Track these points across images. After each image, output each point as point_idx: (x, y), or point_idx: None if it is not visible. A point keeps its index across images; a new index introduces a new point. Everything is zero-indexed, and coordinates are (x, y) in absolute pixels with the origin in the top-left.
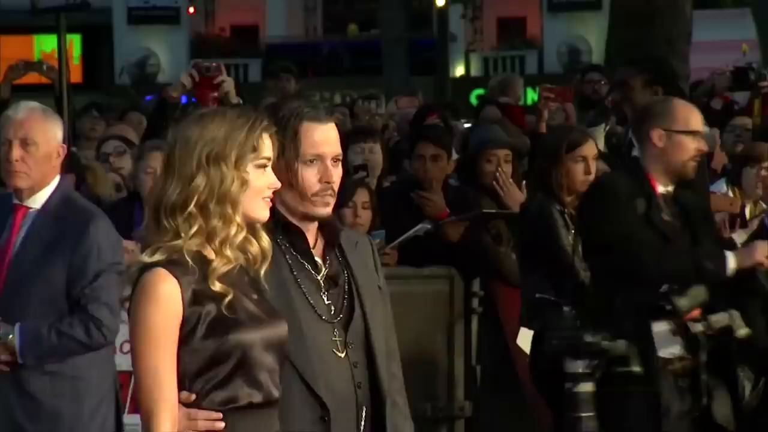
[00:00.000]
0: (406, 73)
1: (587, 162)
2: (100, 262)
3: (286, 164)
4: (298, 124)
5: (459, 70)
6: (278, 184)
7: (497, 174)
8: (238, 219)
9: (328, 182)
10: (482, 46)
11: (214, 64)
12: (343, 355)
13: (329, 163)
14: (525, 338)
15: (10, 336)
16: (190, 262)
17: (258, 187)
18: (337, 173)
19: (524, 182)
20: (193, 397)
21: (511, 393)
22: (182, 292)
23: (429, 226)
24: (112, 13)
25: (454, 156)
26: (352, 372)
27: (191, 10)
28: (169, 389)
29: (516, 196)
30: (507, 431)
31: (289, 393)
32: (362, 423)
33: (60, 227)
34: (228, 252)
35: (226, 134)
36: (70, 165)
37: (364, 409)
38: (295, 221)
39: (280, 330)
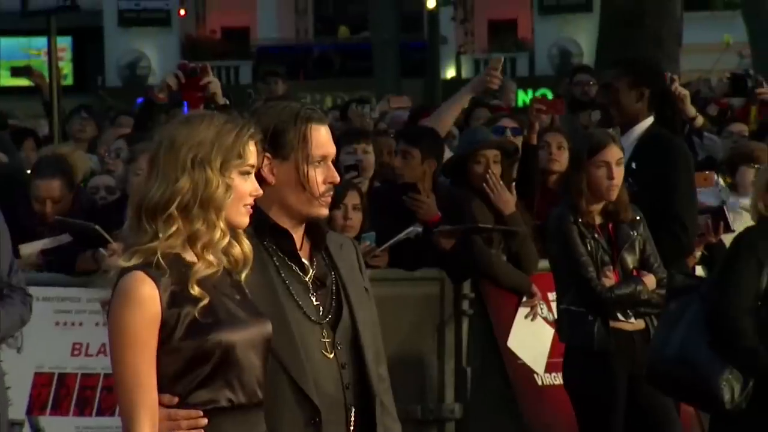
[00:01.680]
0: (396, 75)
1: (610, 167)
2: (9, 245)
3: (294, 166)
4: (306, 126)
5: (450, 72)
6: (260, 192)
7: (487, 176)
8: (222, 224)
9: (332, 182)
10: (473, 48)
11: (200, 65)
12: (331, 356)
13: (330, 163)
14: (516, 340)
15: None
16: (164, 265)
17: (241, 194)
18: None
19: (513, 183)
20: (176, 399)
21: (502, 395)
22: (160, 294)
23: (419, 229)
24: (103, 15)
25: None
26: (341, 373)
27: (182, 12)
28: (149, 392)
29: (506, 197)
30: None
31: (280, 395)
32: (351, 424)
33: None
34: (210, 256)
35: (213, 139)
36: (63, 166)
37: (353, 410)
38: (285, 224)
39: (263, 330)
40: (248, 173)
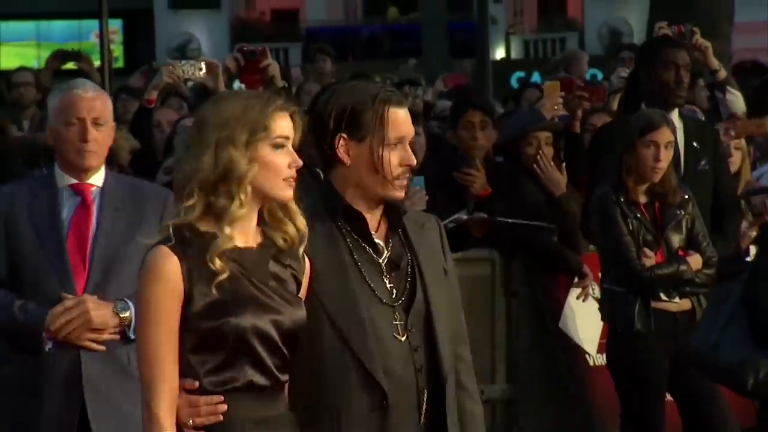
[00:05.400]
0: (446, 56)
1: (658, 148)
2: None
3: (369, 148)
4: (384, 108)
5: (499, 53)
6: (300, 163)
7: (538, 157)
8: (243, 196)
9: (408, 165)
10: (522, 29)
11: (260, 48)
12: (403, 338)
13: (407, 145)
14: (567, 322)
15: (128, 312)
16: (182, 238)
17: (276, 167)
18: None
19: (563, 164)
20: (197, 384)
21: (552, 376)
22: (183, 270)
23: (465, 217)
24: None
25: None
26: (413, 356)
27: None
28: (169, 365)
29: (556, 178)
30: (548, 414)
31: (348, 378)
32: (423, 407)
33: (137, 203)
34: (228, 229)
35: (238, 115)
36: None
37: (425, 393)
38: (360, 205)
39: (293, 317)
40: (281, 146)
